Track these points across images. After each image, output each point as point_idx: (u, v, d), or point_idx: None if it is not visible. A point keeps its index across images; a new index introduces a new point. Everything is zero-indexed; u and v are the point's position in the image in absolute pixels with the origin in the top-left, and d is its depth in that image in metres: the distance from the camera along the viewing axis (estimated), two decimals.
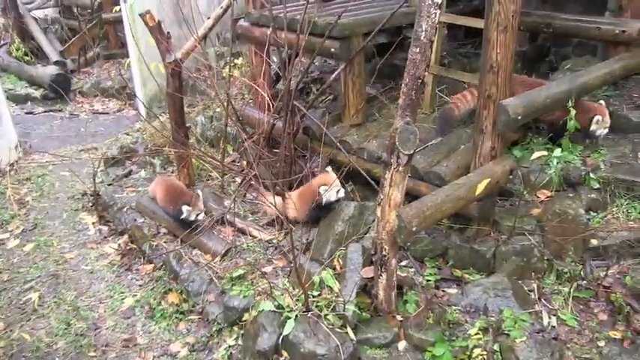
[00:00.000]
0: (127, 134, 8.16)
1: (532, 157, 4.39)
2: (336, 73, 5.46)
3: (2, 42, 12.00)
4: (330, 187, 4.86)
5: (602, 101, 5.04)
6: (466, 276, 4.57)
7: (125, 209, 5.95)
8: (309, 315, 4.09)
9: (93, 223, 6.13)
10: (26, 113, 9.66)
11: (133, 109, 9.06)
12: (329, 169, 5.16)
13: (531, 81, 5.19)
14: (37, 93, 10.19)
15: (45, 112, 9.72)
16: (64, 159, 7.15)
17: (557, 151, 4.41)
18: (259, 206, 5.64)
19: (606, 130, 4.92)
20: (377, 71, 5.99)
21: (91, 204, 6.38)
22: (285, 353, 4.04)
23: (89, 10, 11.30)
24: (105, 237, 5.92)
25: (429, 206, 3.83)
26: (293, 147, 5.40)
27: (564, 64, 5.83)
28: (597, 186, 4.71)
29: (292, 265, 4.36)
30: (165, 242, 5.41)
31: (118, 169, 6.93)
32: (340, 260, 4.52)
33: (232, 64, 7.26)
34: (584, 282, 4.35)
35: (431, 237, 4.73)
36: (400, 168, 3.51)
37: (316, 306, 4.16)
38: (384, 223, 3.73)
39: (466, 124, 5.43)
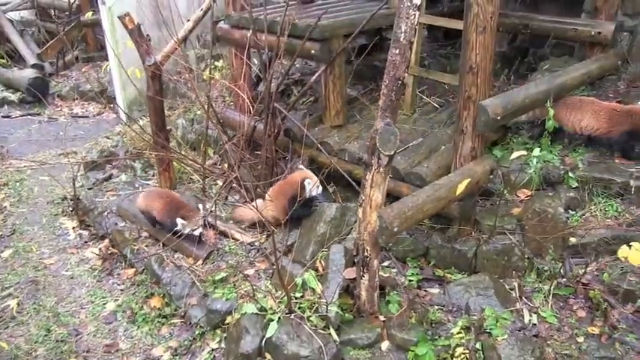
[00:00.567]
0: (107, 138, 8.08)
1: (512, 157, 4.43)
2: (316, 74, 5.46)
3: None
4: (312, 180, 4.90)
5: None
6: (448, 275, 4.61)
7: (106, 213, 5.89)
8: (292, 317, 4.09)
9: (73, 228, 6.06)
10: (3, 117, 9.51)
11: (112, 112, 8.98)
12: (301, 166, 5.18)
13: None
14: (14, 96, 10.04)
15: (22, 115, 9.58)
16: (43, 163, 7.06)
17: (537, 151, 4.46)
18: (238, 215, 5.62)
19: None
20: (357, 73, 6.01)
21: (71, 208, 6.32)
22: (268, 355, 4.04)
23: (67, 13, 11.17)
24: (85, 242, 5.86)
25: (410, 207, 3.85)
26: (274, 149, 5.39)
27: (543, 65, 5.89)
28: (576, 185, 4.78)
29: (275, 267, 4.35)
30: (146, 246, 5.37)
31: (99, 172, 6.87)
32: (322, 262, 4.52)
33: (213, 67, 7.25)
34: (564, 279, 4.41)
35: (412, 237, 4.76)
36: (381, 169, 3.52)
37: (299, 308, 4.17)
38: (366, 224, 3.74)
39: (447, 125, 5.47)
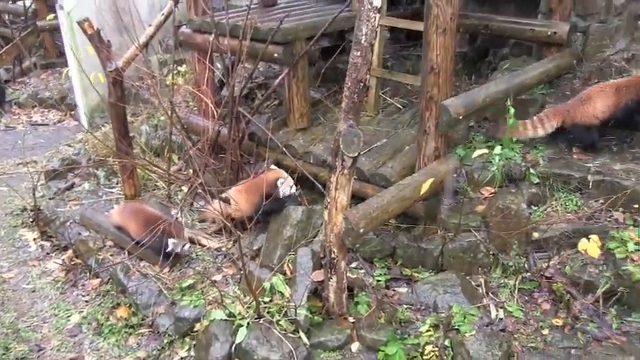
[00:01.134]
0: (69, 146, 7.91)
1: (473, 156, 4.50)
2: (280, 78, 5.46)
3: None
4: (285, 180, 4.90)
5: None
6: (415, 274, 4.65)
7: (69, 223, 5.77)
8: (261, 322, 4.08)
9: (34, 240, 5.91)
10: None
11: (74, 119, 8.81)
12: (274, 166, 5.17)
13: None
14: None
15: None
16: (1, 174, 6.88)
17: (498, 149, 4.54)
18: (207, 214, 5.58)
19: None
20: (321, 75, 6.03)
21: (31, 219, 6.16)
22: None
23: (23, 18, 10.92)
24: (47, 253, 5.72)
25: (376, 207, 3.88)
26: (239, 153, 5.37)
27: (502, 64, 5.99)
28: (537, 181, 4.87)
29: (242, 272, 4.33)
30: (111, 255, 5.28)
31: (60, 182, 6.72)
32: (290, 265, 4.52)
33: (176, 72, 7.18)
34: (528, 274, 4.50)
35: (379, 237, 4.79)
36: (345, 171, 3.54)
37: (268, 312, 4.16)
38: (332, 226, 3.76)
39: (410, 126, 5.53)
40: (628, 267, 4.14)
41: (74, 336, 4.69)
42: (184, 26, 6.11)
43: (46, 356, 4.51)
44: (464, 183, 4.96)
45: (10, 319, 4.86)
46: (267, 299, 4.28)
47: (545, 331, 4.10)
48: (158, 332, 4.54)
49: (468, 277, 4.55)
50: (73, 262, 5.41)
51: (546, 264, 4.44)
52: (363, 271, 4.68)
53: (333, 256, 3.89)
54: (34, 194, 5.94)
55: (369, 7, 3.31)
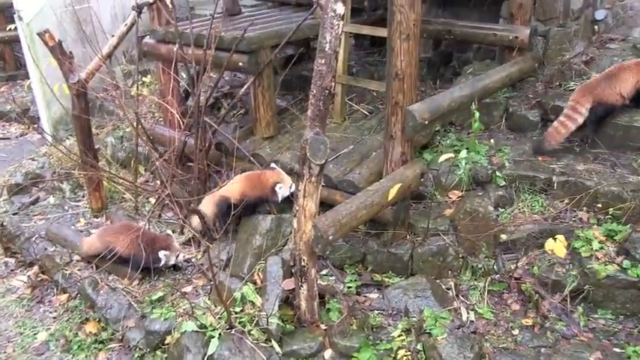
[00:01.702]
0: (32, 159, 7.74)
1: (440, 160, 4.54)
2: (245, 87, 5.44)
3: None
4: (284, 184, 4.93)
5: None
6: (386, 280, 4.67)
7: (34, 239, 5.63)
8: (232, 332, 4.05)
9: None
10: None
11: (37, 132, 8.62)
12: (273, 165, 5.21)
13: None
14: None
15: None
16: None
17: (464, 153, 4.59)
18: (176, 225, 5.52)
19: None
20: (287, 83, 6.03)
21: None
22: None
23: None
24: (12, 270, 5.56)
25: (344, 214, 3.89)
26: (206, 163, 5.32)
27: (466, 69, 6.08)
28: (503, 183, 4.95)
29: (212, 283, 4.29)
30: (79, 270, 5.17)
31: (24, 196, 6.57)
32: (260, 274, 4.49)
33: (140, 83, 7.10)
34: (498, 275, 4.57)
35: (349, 244, 4.80)
36: (313, 178, 3.54)
37: (239, 322, 4.12)
38: (301, 234, 3.75)
39: (376, 131, 5.55)
40: (593, 265, 4.23)
41: (41, 354, 4.57)
42: (148, 37, 6.06)
43: None
44: (431, 187, 5.00)
45: None
46: (238, 309, 4.24)
47: (516, 332, 4.16)
48: (129, 346, 4.45)
49: (438, 281, 4.58)
50: (39, 279, 5.27)
51: (515, 265, 4.50)
52: (333, 278, 4.68)
53: (303, 264, 3.88)
54: None
55: (333, 14, 3.32)
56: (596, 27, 6.29)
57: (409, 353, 3.92)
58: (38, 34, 5.20)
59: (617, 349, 3.95)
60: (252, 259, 4.63)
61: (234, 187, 4.98)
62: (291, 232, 4.31)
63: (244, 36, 5.03)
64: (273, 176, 5.02)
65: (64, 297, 5.03)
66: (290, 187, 4.95)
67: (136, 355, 4.37)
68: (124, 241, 4.88)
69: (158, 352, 4.34)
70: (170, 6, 5.60)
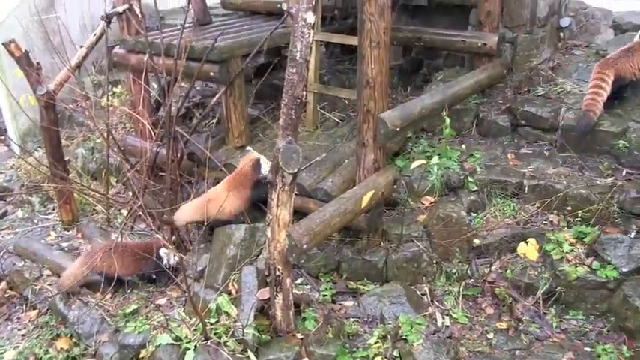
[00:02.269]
0: (0, 172, 7.62)
1: (412, 166, 4.58)
2: (216, 96, 5.42)
3: None
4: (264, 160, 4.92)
5: None
6: (361, 287, 4.68)
7: (2, 253, 5.51)
8: (208, 343, 4.01)
9: None
10: None
11: (4, 145, 8.47)
12: (249, 148, 5.19)
13: None
14: None
15: None
16: None
17: (436, 159, 4.63)
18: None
19: None
20: (258, 92, 6.02)
21: None
22: None
23: None
24: None
25: (318, 223, 3.89)
26: (178, 174, 5.28)
27: (437, 76, 6.14)
28: (475, 188, 5.01)
29: (187, 294, 4.25)
30: (50, 285, 5.07)
31: None
32: (235, 284, 4.46)
33: (111, 93, 7.03)
34: (472, 280, 4.61)
35: (323, 252, 4.80)
36: (286, 187, 3.53)
37: (215, 333, 4.08)
38: (275, 243, 3.73)
39: (349, 139, 5.57)
40: (564, 267, 4.30)
41: None
42: (118, 47, 6.00)
43: None
44: (404, 194, 5.03)
45: None
46: (213, 320, 4.20)
47: (490, 335, 4.20)
48: None
49: (412, 287, 4.61)
50: (7, 295, 5.16)
51: (488, 269, 4.56)
52: (308, 286, 4.67)
53: (277, 273, 3.86)
54: None
55: (303, 23, 3.33)
56: (561, 34, 6.43)
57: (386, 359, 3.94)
58: (4, 44, 5.13)
59: (587, 349, 4.03)
60: (226, 270, 4.59)
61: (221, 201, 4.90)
62: (265, 242, 4.30)
63: (215, 45, 5.01)
64: (250, 157, 5.00)
65: (33, 313, 4.92)
66: (268, 164, 4.89)
67: None
68: (124, 260, 4.79)
69: None
70: (140, 16, 5.56)
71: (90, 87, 8.09)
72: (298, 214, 4.43)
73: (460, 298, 4.48)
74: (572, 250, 4.43)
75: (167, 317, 4.24)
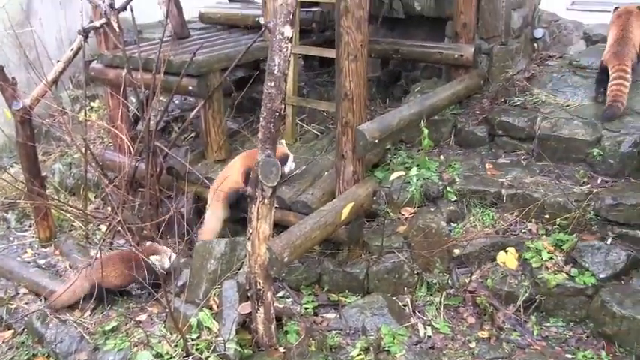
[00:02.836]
0: None
1: (391, 178, 4.61)
2: (195, 110, 5.40)
3: None
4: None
5: None
6: (342, 299, 4.67)
7: None
8: (190, 359, 3.96)
9: None
10: None
11: None
12: (282, 141, 5.25)
13: None
14: None
15: None
16: None
17: (415, 170, 4.66)
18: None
19: None
20: (237, 105, 6.02)
21: None
22: None
23: None
24: None
25: (298, 235, 3.88)
26: (158, 188, 5.25)
27: (415, 87, 6.20)
28: (454, 198, 5.04)
29: (167, 310, 4.21)
30: (26, 303, 4.97)
31: None
32: (216, 299, 4.42)
33: (88, 108, 6.97)
34: (453, 290, 4.63)
35: (304, 265, 4.79)
36: (266, 201, 3.53)
37: (196, 349, 4.03)
38: (256, 256, 3.72)
39: (328, 151, 5.59)
40: (543, 275, 4.35)
41: None
42: (95, 61, 5.97)
43: None
44: (384, 205, 5.05)
45: None
46: (194, 335, 4.16)
47: (473, 344, 4.21)
48: None
49: (394, 298, 4.62)
50: None
51: (469, 279, 4.59)
52: (290, 299, 4.65)
53: (258, 287, 3.84)
54: None
55: (281, 37, 3.35)
56: (535, 45, 6.54)
57: None
58: None
59: (568, 355, 4.07)
60: (207, 284, 4.56)
61: (235, 174, 4.95)
62: (245, 256, 4.28)
63: (193, 59, 5.01)
64: (279, 151, 4.98)
65: (8, 333, 4.80)
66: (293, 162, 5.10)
67: None
68: (116, 270, 4.76)
69: None
70: (118, 30, 5.54)
71: (67, 102, 8.02)
72: (278, 227, 4.42)
73: (442, 308, 4.49)
74: (550, 258, 4.47)
75: (148, 334, 4.19)
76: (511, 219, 4.86)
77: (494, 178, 5.09)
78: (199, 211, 5.34)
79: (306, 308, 4.54)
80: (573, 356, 4.04)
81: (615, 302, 4.08)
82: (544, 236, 4.69)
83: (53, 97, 6.01)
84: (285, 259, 3.72)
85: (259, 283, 3.82)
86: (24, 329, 4.73)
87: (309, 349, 4.08)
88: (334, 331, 4.35)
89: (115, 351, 4.25)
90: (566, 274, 4.34)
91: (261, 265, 3.74)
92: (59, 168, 6.95)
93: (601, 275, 4.27)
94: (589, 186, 4.82)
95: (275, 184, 3.47)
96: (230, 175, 5.04)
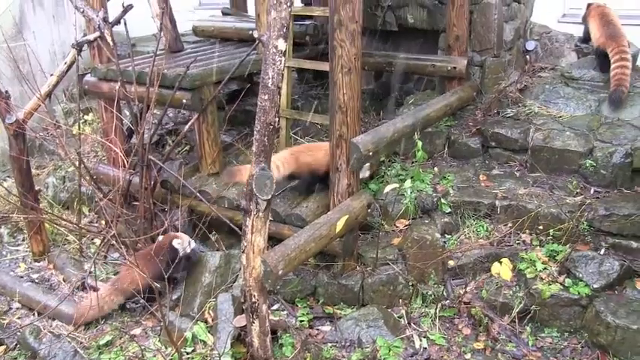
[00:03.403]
0: None
1: (386, 190, 4.61)
2: (189, 123, 5.40)
3: None
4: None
5: None
6: (338, 311, 4.66)
7: None
8: None
9: None
10: None
11: None
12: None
13: None
14: None
15: None
16: None
17: (408, 182, 4.67)
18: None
19: None
20: (231, 118, 6.02)
21: None
22: None
23: None
24: None
25: (293, 248, 3.88)
26: (152, 202, 5.24)
27: (408, 99, 6.23)
28: (449, 210, 5.06)
29: (162, 323, 4.20)
30: (19, 318, 4.95)
31: None
32: (211, 312, 4.42)
33: (82, 121, 6.96)
34: (448, 301, 4.63)
35: (299, 277, 4.79)
36: (260, 214, 3.53)
37: None
38: (250, 269, 3.72)
39: None
40: (538, 285, 4.36)
41: None
42: (89, 75, 5.97)
43: None
44: (378, 217, 5.05)
45: None
46: (189, 349, 4.16)
47: (468, 356, 4.21)
48: None
49: (389, 310, 4.61)
50: None
51: (463, 290, 4.59)
52: (285, 312, 4.65)
53: (253, 300, 3.83)
54: None
55: (274, 50, 3.37)
56: (527, 57, 6.59)
57: None
58: None
59: None
60: (202, 298, 4.56)
61: (320, 156, 4.91)
62: (240, 269, 4.28)
63: (187, 73, 5.02)
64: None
65: (0, 349, 4.78)
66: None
67: None
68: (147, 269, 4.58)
69: None
70: (111, 43, 5.55)
71: (61, 115, 8.03)
72: (273, 239, 4.43)
73: (437, 319, 4.49)
74: (545, 269, 4.49)
75: (142, 348, 4.18)
76: (505, 230, 4.88)
77: (488, 190, 5.12)
78: (194, 225, 5.32)
79: (301, 321, 4.53)
80: None
81: (609, 312, 4.09)
82: (538, 247, 4.71)
83: (46, 111, 6.00)
84: (280, 272, 3.71)
85: (254, 296, 3.81)
86: (16, 345, 4.70)
87: None
88: (330, 344, 4.35)
89: None
90: (561, 284, 4.35)
91: (256, 278, 3.73)
92: (53, 181, 6.92)
93: (595, 285, 4.28)
94: (582, 197, 4.85)
95: (269, 196, 3.47)
96: (318, 154, 4.98)
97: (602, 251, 4.51)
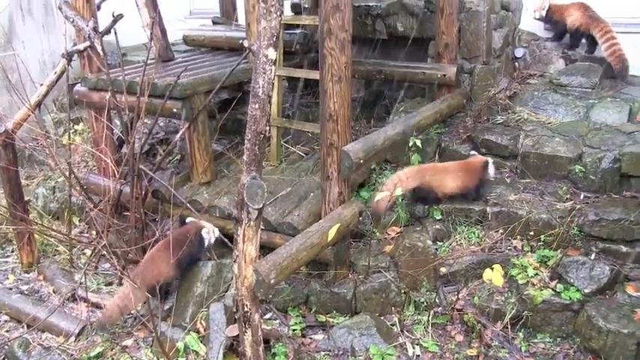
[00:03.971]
0: None
1: (376, 198, 4.62)
2: (180, 133, 5.40)
3: None
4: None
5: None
6: (330, 320, 4.66)
7: None
8: None
9: None
10: None
11: None
12: (474, 152, 5.33)
13: None
14: None
15: None
16: None
17: (399, 190, 4.68)
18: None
19: None
20: (222, 127, 6.02)
21: None
22: None
23: None
24: None
25: (285, 257, 3.87)
26: (143, 211, 5.22)
27: (398, 107, 6.25)
28: (440, 217, 5.07)
29: (154, 334, 4.17)
30: (7, 331, 4.90)
31: None
32: (203, 322, 4.40)
33: (72, 131, 6.93)
34: (440, 308, 4.64)
35: (291, 286, 4.77)
36: (251, 223, 3.52)
37: None
38: (242, 279, 3.70)
39: (313, 172, 5.60)
40: (529, 291, 4.37)
41: None
42: (79, 84, 5.95)
43: None
44: (370, 225, 5.06)
45: None
46: (181, 359, 4.14)
47: None
48: None
49: (382, 318, 4.62)
50: None
51: (456, 297, 4.60)
52: (277, 321, 4.63)
53: (246, 309, 3.82)
54: None
55: (264, 59, 3.37)
56: (516, 64, 6.65)
57: None
58: None
59: None
60: (194, 308, 4.54)
61: (445, 178, 5.03)
62: (232, 278, 4.27)
63: (178, 82, 5.02)
64: (479, 158, 5.17)
65: None
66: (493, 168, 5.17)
67: None
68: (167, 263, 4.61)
69: None
70: (101, 53, 5.54)
71: (51, 125, 7.99)
72: (265, 248, 4.43)
73: (429, 326, 4.50)
74: (536, 274, 4.51)
75: (134, 359, 4.14)
76: (496, 236, 4.89)
77: None
78: None
79: (294, 330, 4.51)
80: None
81: (601, 317, 4.11)
82: (529, 253, 4.73)
83: (36, 121, 5.98)
84: (272, 281, 3.70)
85: (246, 305, 3.79)
86: (4, 358, 4.64)
87: None
88: (323, 353, 4.34)
89: None
90: (552, 289, 4.37)
91: (248, 287, 3.72)
92: (42, 192, 6.88)
93: (586, 290, 4.30)
94: (572, 202, 4.87)
95: (261, 205, 3.47)
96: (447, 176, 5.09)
97: (593, 256, 4.54)
